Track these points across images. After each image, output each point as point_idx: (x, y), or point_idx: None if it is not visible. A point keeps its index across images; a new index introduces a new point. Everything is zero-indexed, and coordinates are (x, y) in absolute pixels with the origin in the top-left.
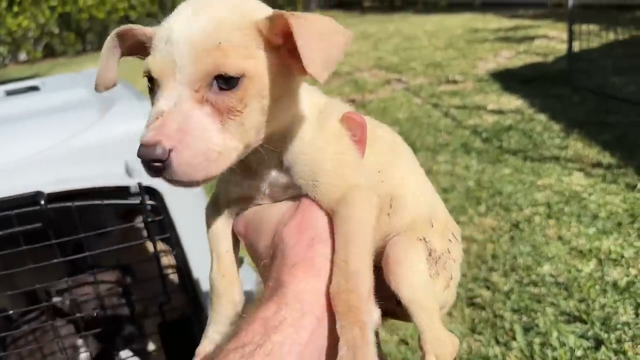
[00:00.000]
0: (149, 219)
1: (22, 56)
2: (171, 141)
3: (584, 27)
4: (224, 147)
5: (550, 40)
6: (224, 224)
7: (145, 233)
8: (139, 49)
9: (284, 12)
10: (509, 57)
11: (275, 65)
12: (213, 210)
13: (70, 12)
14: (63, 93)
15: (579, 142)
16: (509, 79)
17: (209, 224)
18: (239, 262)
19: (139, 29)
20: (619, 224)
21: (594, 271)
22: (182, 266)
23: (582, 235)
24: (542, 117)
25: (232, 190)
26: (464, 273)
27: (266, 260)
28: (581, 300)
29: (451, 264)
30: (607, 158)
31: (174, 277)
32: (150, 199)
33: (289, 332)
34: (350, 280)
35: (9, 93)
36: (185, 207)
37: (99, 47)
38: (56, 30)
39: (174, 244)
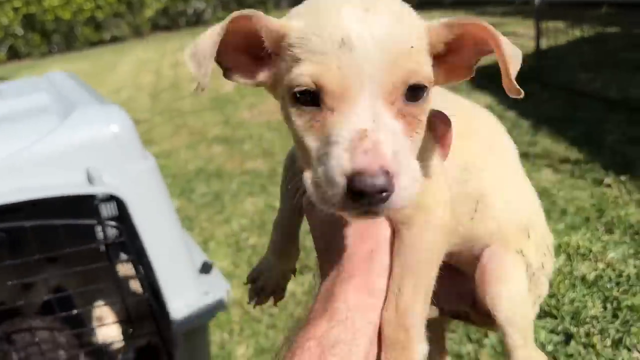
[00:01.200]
0: (111, 241)
1: None
2: (393, 167)
3: (551, 24)
4: (419, 170)
5: (519, 37)
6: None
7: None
8: (250, 46)
9: (477, 20)
10: None
11: (438, 73)
12: (290, 164)
13: (34, 13)
14: (23, 99)
15: (547, 138)
16: (479, 77)
17: (283, 176)
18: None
19: (266, 20)
20: (587, 219)
21: (564, 266)
22: (147, 284)
23: (551, 231)
24: (511, 114)
25: None
26: None
27: (321, 253)
28: (551, 296)
29: (544, 280)
30: (574, 154)
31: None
32: (112, 214)
33: (343, 354)
34: (401, 316)
35: None
36: (151, 217)
37: (65, 48)
38: (20, 32)
39: (138, 255)
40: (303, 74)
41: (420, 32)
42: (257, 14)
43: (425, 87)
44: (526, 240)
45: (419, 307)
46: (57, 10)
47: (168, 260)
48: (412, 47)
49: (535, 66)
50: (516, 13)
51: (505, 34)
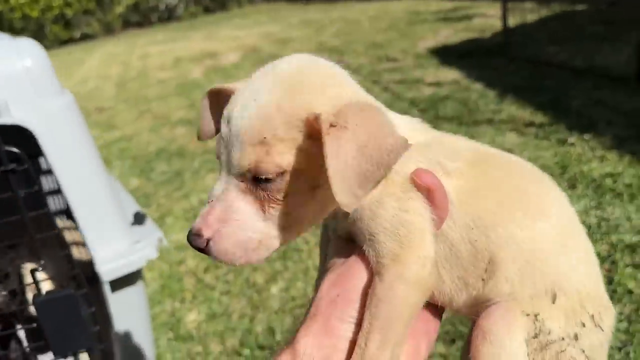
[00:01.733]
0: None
1: None
2: (210, 231)
3: (520, 4)
4: (264, 236)
5: (488, 18)
6: (325, 242)
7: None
8: None
9: (322, 121)
10: (448, 36)
11: (321, 146)
12: (324, 225)
13: (1, 10)
14: None
15: (512, 105)
16: (448, 54)
17: (320, 237)
18: None
19: (231, 89)
20: (551, 175)
21: None
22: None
23: None
24: (477, 86)
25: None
26: None
27: None
28: None
29: (575, 354)
30: (539, 118)
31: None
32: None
33: None
34: None
35: None
36: (69, 155)
37: None
38: None
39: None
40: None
41: (292, 119)
42: (225, 87)
43: (276, 174)
44: (549, 305)
45: None
46: (24, 8)
47: (90, 206)
48: (264, 137)
49: (503, 42)
50: None
51: (474, 15)
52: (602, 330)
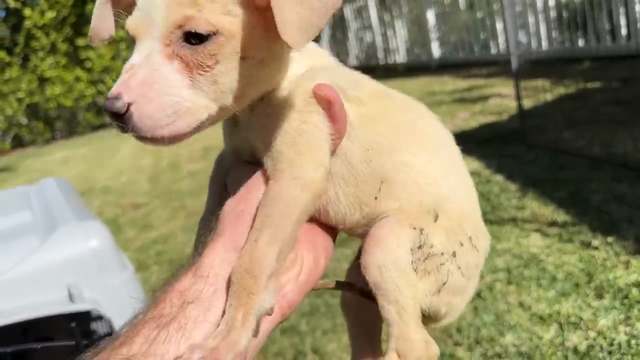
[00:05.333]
0: None
1: None
2: (132, 94)
3: (534, 83)
4: (191, 103)
5: (504, 98)
6: (219, 176)
7: None
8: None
9: None
10: (465, 119)
11: (258, 26)
12: (218, 160)
13: (38, 102)
14: (8, 218)
15: (534, 201)
16: (466, 141)
17: (211, 174)
18: None
19: None
20: (577, 285)
21: (555, 337)
22: None
23: (542, 299)
24: (498, 178)
25: (226, 142)
26: None
27: None
28: None
29: (452, 269)
30: (562, 216)
31: None
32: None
33: (201, 309)
34: (253, 262)
35: None
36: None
37: (68, 134)
38: (24, 121)
39: None
40: (126, 25)
41: None
42: None
43: (210, 33)
44: (431, 222)
45: (271, 257)
46: (59, 98)
47: None
48: None
49: (519, 127)
50: (500, 74)
51: (490, 95)
52: (478, 252)
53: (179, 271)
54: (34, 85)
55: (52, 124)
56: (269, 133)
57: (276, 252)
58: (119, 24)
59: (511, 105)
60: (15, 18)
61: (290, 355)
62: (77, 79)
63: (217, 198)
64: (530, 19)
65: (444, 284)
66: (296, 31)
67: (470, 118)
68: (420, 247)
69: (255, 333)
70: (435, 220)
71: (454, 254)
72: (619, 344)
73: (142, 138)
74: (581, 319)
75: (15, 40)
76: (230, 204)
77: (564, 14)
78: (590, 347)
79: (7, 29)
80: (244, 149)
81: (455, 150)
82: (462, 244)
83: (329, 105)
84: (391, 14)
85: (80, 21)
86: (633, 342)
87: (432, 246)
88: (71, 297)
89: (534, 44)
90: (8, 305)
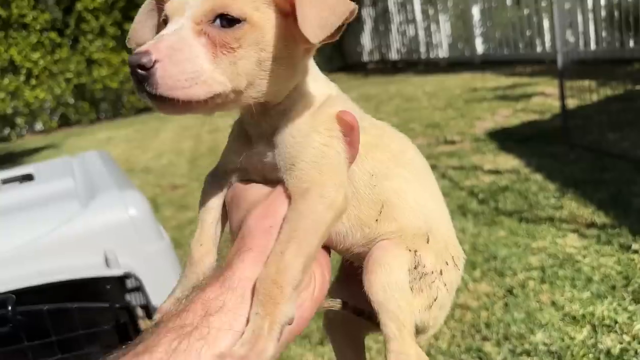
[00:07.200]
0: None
1: (39, 126)
2: (160, 54)
3: (579, 83)
4: (209, 76)
5: (547, 97)
6: (216, 194)
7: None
8: None
9: None
10: (507, 116)
11: (280, 28)
12: (211, 179)
13: (85, 83)
14: (51, 184)
15: (573, 201)
16: (506, 138)
17: (203, 191)
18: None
19: None
20: (613, 287)
21: (587, 338)
22: None
23: (575, 300)
24: (537, 176)
25: (231, 159)
26: (457, 343)
27: (233, 228)
28: None
29: (440, 286)
30: (601, 218)
31: None
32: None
33: (227, 318)
34: (279, 273)
35: (5, 181)
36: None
37: (112, 115)
38: (71, 101)
39: None
40: (164, 8)
41: None
42: None
43: (237, 19)
44: (424, 244)
45: (297, 269)
46: (105, 80)
47: None
48: None
49: (562, 127)
50: (545, 72)
51: (533, 93)
52: (459, 270)
53: (204, 281)
54: (82, 66)
55: (97, 104)
56: (293, 152)
57: (302, 264)
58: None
59: (554, 104)
60: (67, 0)
61: None
62: (123, 62)
63: (214, 214)
64: (579, 18)
65: (435, 299)
66: (315, 27)
67: (512, 115)
68: (415, 267)
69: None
70: (427, 242)
71: (441, 272)
72: None
73: (156, 98)
74: (616, 322)
75: (66, 22)
76: (255, 219)
77: (616, 13)
78: (624, 350)
79: (59, 11)
80: (256, 167)
81: (433, 177)
82: (447, 263)
83: (350, 130)
84: (435, 8)
85: (128, 6)
86: None
87: (424, 266)
88: (107, 263)
89: (581, 44)
90: (47, 266)
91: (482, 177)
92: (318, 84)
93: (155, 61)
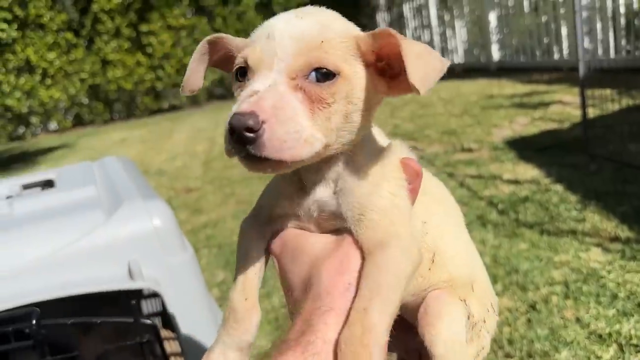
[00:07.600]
0: (145, 340)
1: (53, 126)
2: (265, 114)
3: (600, 91)
4: (310, 134)
5: (566, 105)
6: (259, 241)
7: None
8: (226, 61)
9: (389, 29)
10: (525, 124)
11: (364, 78)
12: (252, 225)
13: (99, 83)
14: (73, 192)
15: (596, 214)
16: (525, 147)
17: (243, 237)
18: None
19: (230, 39)
20: (639, 305)
21: (614, 358)
22: None
23: (601, 317)
24: (558, 187)
25: (280, 204)
26: None
27: (297, 292)
28: None
29: (485, 334)
30: (625, 232)
31: None
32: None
33: None
34: (365, 332)
35: (26, 187)
36: (189, 314)
37: (126, 116)
38: (86, 101)
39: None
40: (239, 57)
41: (342, 35)
42: (225, 36)
43: (332, 73)
44: (470, 293)
45: (383, 327)
46: (119, 81)
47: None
48: (322, 41)
49: (582, 136)
50: (563, 80)
51: (551, 102)
52: (497, 316)
53: (281, 345)
54: (96, 67)
55: (111, 105)
56: (362, 201)
57: (387, 322)
58: (174, 15)
59: (573, 113)
60: (84, 1)
61: None
62: (138, 64)
63: (258, 265)
64: (598, 26)
65: (483, 348)
66: (423, 79)
67: (530, 124)
68: (468, 317)
69: None
70: (472, 290)
71: (484, 320)
72: None
73: (260, 160)
74: None
75: (82, 22)
76: (330, 275)
77: (636, 22)
78: None
79: (76, 12)
80: (312, 215)
81: (463, 220)
82: (488, 310)
83: (415, 177)
84: (451, 13)
85: (144, 7)
86: None
87: (473, 315)
88: (131, 274)
89: (600, 52)
90: (70, 277)
91: (501, 186)
92: (375, 129)
93: (262, 122)
